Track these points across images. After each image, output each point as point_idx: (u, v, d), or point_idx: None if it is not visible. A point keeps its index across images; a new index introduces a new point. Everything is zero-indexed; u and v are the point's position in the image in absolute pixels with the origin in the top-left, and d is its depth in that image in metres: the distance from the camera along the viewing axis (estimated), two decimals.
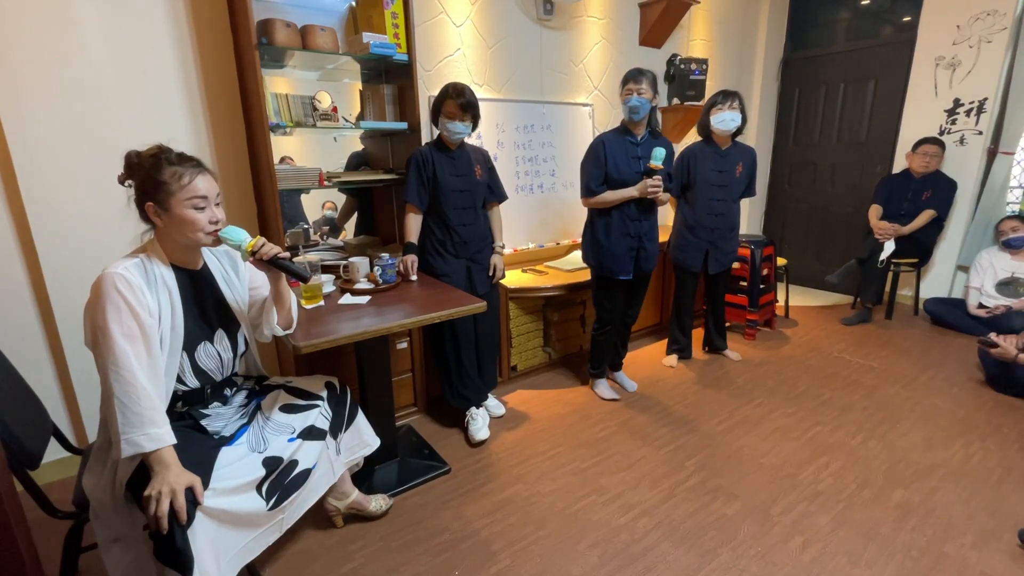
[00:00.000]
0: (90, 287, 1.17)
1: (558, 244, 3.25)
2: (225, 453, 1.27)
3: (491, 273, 2.30)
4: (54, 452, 1.76)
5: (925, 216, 3.39)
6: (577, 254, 2.68)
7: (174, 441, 1.15)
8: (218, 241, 1.28)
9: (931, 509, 1.77)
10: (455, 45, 2.64)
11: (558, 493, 1.89)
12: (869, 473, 1.97)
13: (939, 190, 3.41)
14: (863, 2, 4.03)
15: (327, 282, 1.95)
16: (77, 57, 1.79)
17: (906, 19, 3.79)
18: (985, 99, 3.39)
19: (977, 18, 3.34)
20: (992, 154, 3.46)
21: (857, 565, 1.54)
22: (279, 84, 2.20)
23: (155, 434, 1.12)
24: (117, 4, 1.83)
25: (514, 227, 3.01)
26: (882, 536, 1.65)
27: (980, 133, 3.44)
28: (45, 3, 1.72)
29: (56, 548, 1.41)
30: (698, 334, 3.21)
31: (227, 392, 1.45)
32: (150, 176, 1.20)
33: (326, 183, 2.13)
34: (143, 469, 1.14)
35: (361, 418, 1.65)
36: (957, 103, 3.50)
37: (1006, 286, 3.18)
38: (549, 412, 2.48)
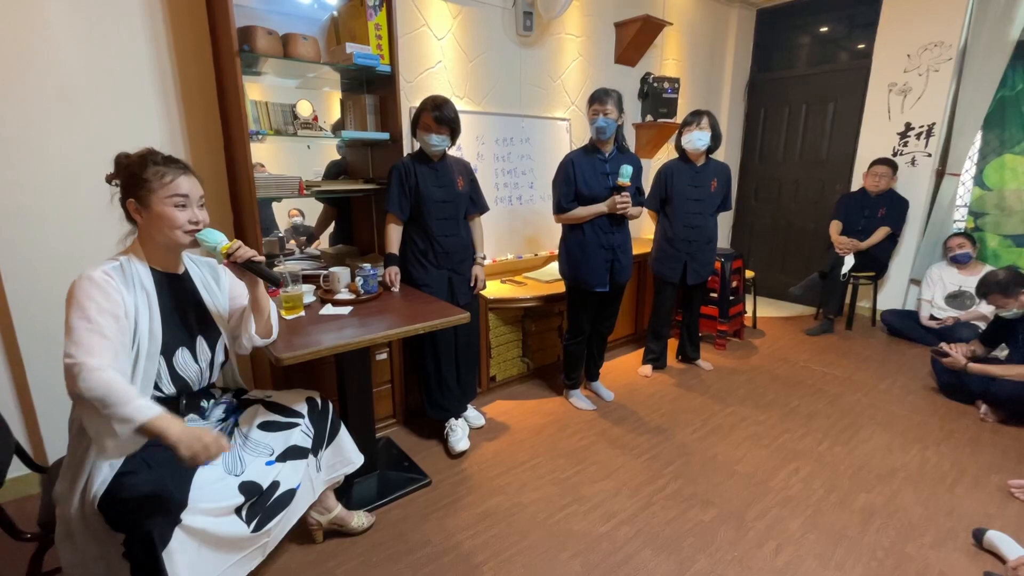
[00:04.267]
0: (66, 292, 1.14)
1: (536, 255, 3.28)
2: (201, 473, 1.23)
3: (472, 284, 2.31)
4: (13, 469, 1.66)
5: (881, 233, 3.59)
6: (555, 265, 2.73)
7: (161, 409, 1.08)
8: (195, 242, 1.27)
9: (893, 511, 1.86)
10: (436, 58, 2.67)
11: (539, 503, 1.90)
12: (835, 478, 2.05)
13: (893, 208, 3.62)
14: (822, 30, 4.27)
15: (307, 292, 1.92)
16: (48, 59, 1.73)
17: (861, 46, 4.03)
18: (933, 123, 3.62)
19: (926, 48, 3.58)
20: (940, 175, 3.70)
21: (827, 567, 1.61)
22: (253, 91, 2.16)
23: (142, 405, 1.05)
24: (92, 7, 1.78)
25: (493, 238, 3.03)
26: (849, 538, 1.73)
27: (929, 155, 3.67)
28: (17, 4, 1.66)
29: (19, 573, 1.34)
30: (672, 344, 3.29)
31: (204, 404, 1.41)
32: (134, 173, 1.22)
33: (305, 192, 2.11)
34: (116, 487, 1.10)
35: (344, 434, 1.62)
36: (908, 127, 3.73)
37: (954, 299, 3.39)
38: (528, 422, 2.49)
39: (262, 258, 1.34)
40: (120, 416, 1.04)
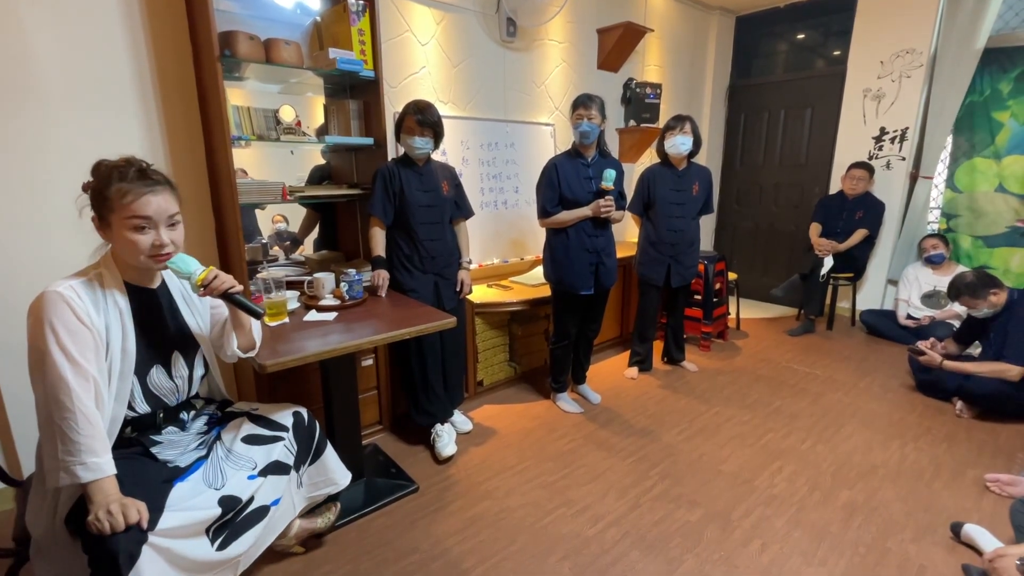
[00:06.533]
0: (29, 305, 1.11)
1: (522, 259, 3.29)
2: (179, 489, 1.21)
3: (458, 288, 2.31)
4: None
5: (858, 235, 3.67)
6: (541, 269, 2.74)
7: (114, 472, 1.08)
8: (165, 267, 1.22)
9: (874, 508, 1.89)
10: (420, 63, 2.67)
11: (527, 507, 1.90)
12: (818, 476, 2.09)
13: (870, 210, 3.70)
14: (799, 37, 4.37)
15: (291, 298, 1.90)
16: (22, 61, 1.69)
17: (836, 53, 4.13)
18: (906, 128, 3.72)
19: (898, 55, 3.69)
20: (914, 178, 3.80)
21: (811, 564, 1.63)
22: (235, 96, 2.14)
23: (93, 464, 1.05)
24: (68, 10, 1.75)
25: (479, 242, 3.03)
26: (832, 535, 1.76)
27: (903, 159, 3.77)
28: None
29: None
30: (657, 346, 3.32)
31: (184, 416, 1.37)
32: (98, 188, 1.15)
33: (289, 197, 2.09)
34: (83, 503, 1.07)
35: (330, 453, 1.58)
36: (883, 131, 3.83)
37: (929, 298, 3.48)
38: (516, 426, 2.49)
39: (240, 287, 1.29)
40: (70, 467, 1.04)
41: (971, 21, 3.34)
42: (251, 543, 1.31)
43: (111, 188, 1.14)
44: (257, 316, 1.34)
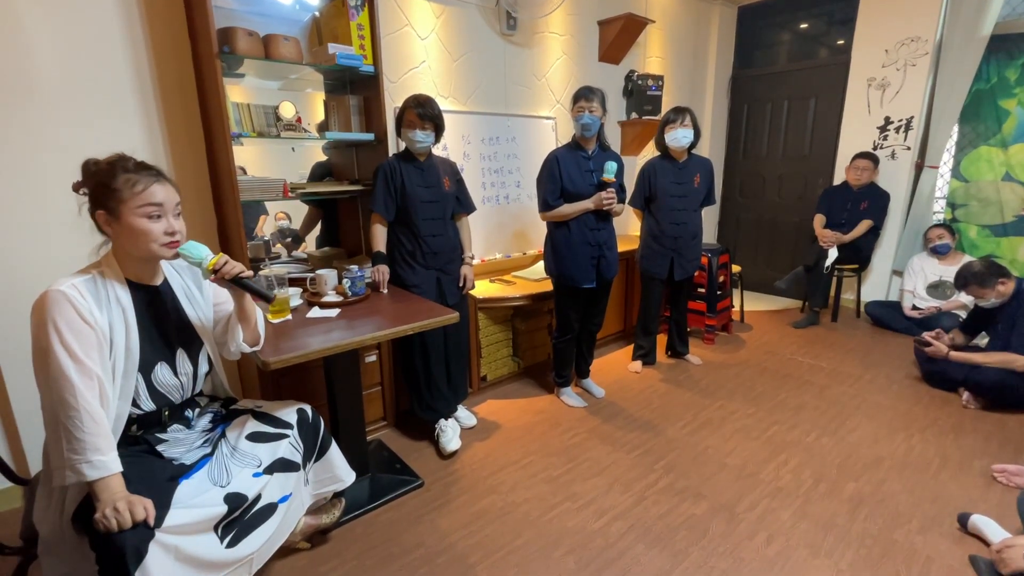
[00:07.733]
0: (32, 305, 1.11)
1: (524, 254, 3.29)
2: (184, 486, 1.21)
3: (461, 284, 2.31)
4: None
5: (863, 226, 3.64)
6: (543, 264, 2.73)
7: (120, 469, 1.09)
8: (177, 255, 1.23)
9: (880, 499, 1.89)
10: (420, 57, 2.65)
11: (532, 502, 1.90)
12: (824, 468, 2.08)
13: (875, 201, 3.67)
14: (802, 26, 4.32)
15: (294, 295, 1.90)
16: (20, 60, 1.69)
17: (840, 42, 4.09)
18: (912, 117, 3.69)
19: (903, 44, 3.64)
20: (919, 168, 3.76)
21: (817, 556, 1.63)
22: (235, 92, 2.13)
23: (99, 462, 1.05)
24: (66, 8, 1.75)
25: (481, 237, 3.02)
26: (838, 527, 1.75)
27: (908, 148, 3.73)
28: None
29: None
30: (661, 340, 3.31)
31: (189, 414, 1.38)
32: (102, 183, 1.15)
33: (290, 194, 2.09)
34: (90, 501, 1.07)
35: (335, 451, 1.58)
36: (888, 121, 3.79)
37: (935, 288, 3.45)
38: (520, 421, 2.49)
39: (250, 272, 1.30)
40: (75, 465, 1.04)
41: (977, 7, 3.30)
42: (262, 541, 1.31)
43: (118, 179, 1.15)
44: (268, 300, 1.35)
